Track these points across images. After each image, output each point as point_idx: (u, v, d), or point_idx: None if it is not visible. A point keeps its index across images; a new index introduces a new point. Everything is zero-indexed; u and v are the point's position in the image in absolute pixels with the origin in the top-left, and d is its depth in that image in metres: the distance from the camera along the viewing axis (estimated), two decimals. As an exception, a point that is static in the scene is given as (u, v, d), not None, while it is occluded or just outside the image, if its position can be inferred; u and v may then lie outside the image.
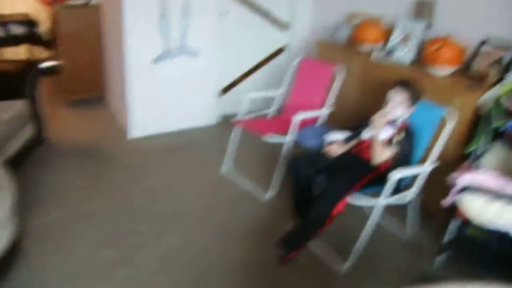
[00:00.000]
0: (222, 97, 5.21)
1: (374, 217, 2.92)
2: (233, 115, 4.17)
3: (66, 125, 4.97)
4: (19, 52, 6.81)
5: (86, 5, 5.36)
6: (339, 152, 3.16)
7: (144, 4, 4.31)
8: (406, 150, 2.99)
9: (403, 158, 2.99)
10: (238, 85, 5.43)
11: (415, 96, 3.04)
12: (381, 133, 3.03)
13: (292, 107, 3.95)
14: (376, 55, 3.78)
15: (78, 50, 5.32)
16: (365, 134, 3.14)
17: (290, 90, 4.11)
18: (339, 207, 2.84)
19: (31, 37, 6.35)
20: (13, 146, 3.73)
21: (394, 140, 2.99)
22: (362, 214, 3.38)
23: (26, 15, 6.54)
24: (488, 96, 3.06)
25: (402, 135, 3.00)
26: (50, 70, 6.46)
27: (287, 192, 3.40)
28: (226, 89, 5.37)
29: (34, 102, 4.21)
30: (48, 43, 6.42)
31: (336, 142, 3.20)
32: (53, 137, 4.56)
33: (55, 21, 5.43)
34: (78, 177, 3.89)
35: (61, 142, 4.52)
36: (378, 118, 3.02)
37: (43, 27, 6.68)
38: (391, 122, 3.07)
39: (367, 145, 3.10)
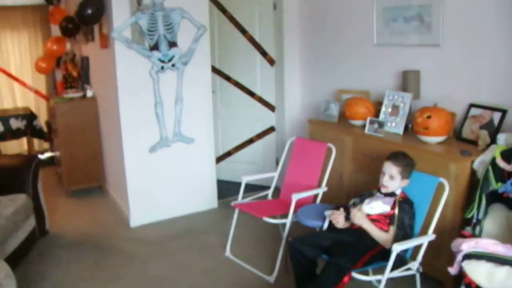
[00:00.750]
0: (217, 165, 5.27)
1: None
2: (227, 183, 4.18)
3: (67, 216, 4.98)
4: (20, 145, 6.97)
5: (83, 97, 5.51)
6: (343, 223, 3.16)
7: (138, 95, 4.44)
8: (407, 221, 3.01)
9: (406, 229, 3.00)
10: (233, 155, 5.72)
11: (409, 168, 3.10)
12: (380, 207, 3.09)
13: (289, 187, 4.00)
14: (368, 129, 3.85)
15: (77, 141, 5.43)
16: (365, 207, 3.16)
17: (286, 170, 4.16)
18: (341, 285, 2.83)
19: (31, 130, 6.50)
20: (16, 240, 3.73)
21: (395, 218, 3.02)
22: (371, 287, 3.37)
23: (26, 108, 6.72)
24: (482, 159, 3.10)
25: (402, 210, 3.04)
26: (50, 162, 6.58)
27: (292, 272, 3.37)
28: (220, 159, 5.60)
29: (36, 194, 4.25)
30: (47, 135, 6.56)
31: (340, 212, 3.21)
32: (55, 229, 4.56)
33: (53, 113, 5.57)
34: (81, 269, 3.85)
35: (63, 234, 4.51)
36: (356, 213, 3.08)
37: (42, 120, 6.85)
38: (389, 195, 3.12)
39: (368, 219, 3.11)
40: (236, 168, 5.66)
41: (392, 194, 3.11)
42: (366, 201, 3.19)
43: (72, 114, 5.39)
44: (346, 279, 2.80)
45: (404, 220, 3.00)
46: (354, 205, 3.23)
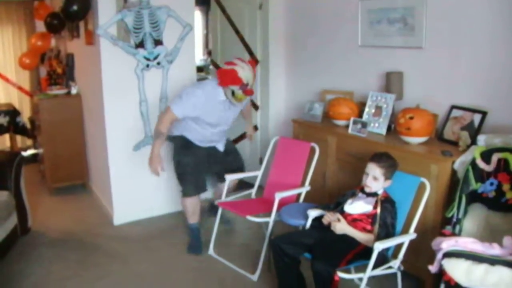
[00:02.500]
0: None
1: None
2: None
3: (50, 214, 4.95)
4: (2, 142, 6.89)
5: (68, 94, 5.48)
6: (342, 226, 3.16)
7: (123, 92, 4.44)
8: (389, 220, 3.05)
9: (389, 228, 3.03)
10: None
11: (392, 169, 3.15)
12: (362, 207, 3.14)
13: (273, 186, 4.03)
14: (351, 129, 3.89)
15: (60, 138, 5.39)
16: (347, 207, 3.20)
17: (270, 169, 4.19)
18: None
19: (14, 127, 6.43)
20: (-3, 238, 3.70)
21: (378, 217, 3.05)
22: (354, 285, 3.40)
23: (9, 105, 6.66)
24: (463, 159, 3.15)
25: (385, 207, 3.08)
26: (33, 159, 6.53)
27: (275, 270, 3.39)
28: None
29: (18, 191, 4.22)
30: (30, 132, 6.51)
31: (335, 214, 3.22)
32: (37, 227, 4.54)
33: (37, 110, 5.53)
34: (64, 267, 3.84)
35: (46, 232, 4.49)
36: (336, 224, 3.12)
37: (25, 116, 6.79)
38: (372, 195, 3.16)
39: (350, 219, 3.15)
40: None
41: (374, 194, 3.16)
42: (349, 201, 3.23)
43: (56, 111, 5.35)
44: (335, 281, 2.84)
45: (386, 219, 3.04)
46: (332, 209, 3.29)
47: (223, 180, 4.08)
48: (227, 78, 3.64)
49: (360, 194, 3.22)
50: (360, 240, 3.05)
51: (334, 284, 2.82)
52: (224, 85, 3.69)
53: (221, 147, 4.18)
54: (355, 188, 3.33)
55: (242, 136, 5.65)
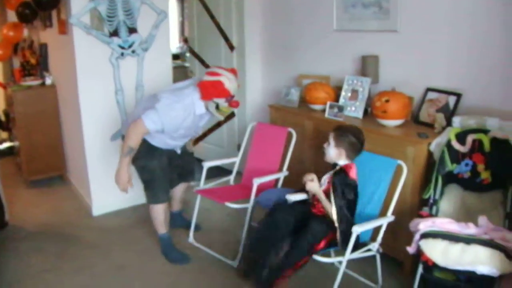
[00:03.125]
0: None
1: (342, 273, 2.96)
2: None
3: (27, 206, 4.89)
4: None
5: (42, 85, 5.40)
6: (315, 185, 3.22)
7: (98, 82, 4.37)
8: (340, 188, 3.08)
9: (345, 197, 3.07)
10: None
11: (344, 138, 3.17)
12: (323, 180, 3.24)
13: (251, 172, 4.03)
14: (328, 114, 3.90)
15: (36, 130, 5.31)
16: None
17: (247, 155, 4.19)
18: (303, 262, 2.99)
19: (-12, 119, 6.33)
20: (-26, 233, 3.66)
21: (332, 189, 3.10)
22: (332, 269, 3.43)
23: (-18, 98, 6.54)
24: (438, 141, 3.18)
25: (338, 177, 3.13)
26: (9, 152, 6.44)
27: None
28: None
29: (-6, 185, 4.17)
30: (5, 124, 6.40)
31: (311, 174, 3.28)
32: (15, 220, 4.48)
33: (11, 102, 5.44)
34: (43, 260, 3.80)
35: (23, 225, 4.43)
36: (307, 178, 3.20)
37: (-1, 109, 6.68)
38: (333, 166, 3.24)
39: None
40: (206, 150, 5.77)
41: (334, 166, 3.23)
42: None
43: (30, 103, 5.26)
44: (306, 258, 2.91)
45: (337, 187, 3.08)
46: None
47: (174, 184, 4.01)
48: (213, 90, 3.34)
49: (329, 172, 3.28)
50: (322, 202, 3.11)
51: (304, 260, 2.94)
52: (208, 99, 3.38)
53: (179, 149, 3.92)
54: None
55: (218, 124, 5.64)
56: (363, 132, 3.24)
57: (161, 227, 3.82)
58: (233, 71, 3.46)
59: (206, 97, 3.37)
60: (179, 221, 4.28)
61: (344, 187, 3.07)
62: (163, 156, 3.69)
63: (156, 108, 3.33)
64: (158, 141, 3.60)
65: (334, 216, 3.00)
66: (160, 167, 3.67)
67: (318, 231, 2.97)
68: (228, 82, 3.34)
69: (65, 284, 3.48)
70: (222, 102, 3.39)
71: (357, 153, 3.20)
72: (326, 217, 3.10)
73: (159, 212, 3.76)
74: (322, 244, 2.97)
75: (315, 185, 3.18)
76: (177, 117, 3.37)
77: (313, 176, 3.21)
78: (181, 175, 4.00)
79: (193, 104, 3.40)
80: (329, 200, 3.08)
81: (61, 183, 5.51)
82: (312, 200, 3.28)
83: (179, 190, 4.13)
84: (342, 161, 3.19)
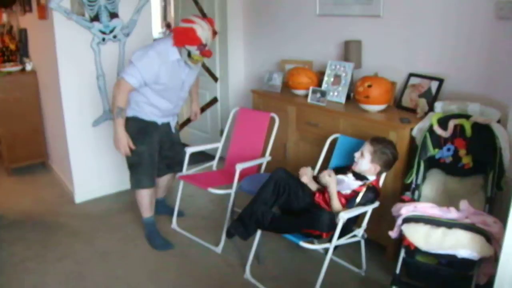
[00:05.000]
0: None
1: (328, 259, 2.97)
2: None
3: (8, 195, 4.84)
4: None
5: (22, 71, 5.32)
6: (308, 179, 3.22)
7: (79, 67, 4.31)
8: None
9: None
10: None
11: (383, 155, 3.05)
12: (347, 186, 3.12)
13: (234, 158, 4.02)
14: (310, 99, 3.89)
15: (17, 116, 5.24)
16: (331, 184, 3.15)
17: (230, 141, 4.18)
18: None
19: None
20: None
21: (359, 199, 3.02)
22: (317, 254, 3.45)
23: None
24: (421, 126, 3.19)
25: (368, 194, 3.04)
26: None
27: (238, 241, 3.40)
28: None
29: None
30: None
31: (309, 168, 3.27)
32: (-4, 209, 4.44)
33: (-10, 89, 5.35)
34: (25, 248, 3.77)
35: (5, 214, 4.38)
36: (325, 174, 3.10)
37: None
38: (360, 177, 3.13)
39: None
40: (189, 135, 5.75)
41: (363, 178, 3.12)
42: (339, 176, 3.18)
43: (10, 89, 5.18)
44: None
45: (363, 203, 3.02)
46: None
47: (162, 173, 3.98)
48: (184, 37, 3.29)
49: (350, 175, 3.17)
50: (333, 203, 3.03)
51: None
52: (180, 45, 3.35)
53: (173, 124, 3.87)
54: (350, 167, 3.23)
55: (202, 109, 5.61)
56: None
57: (146, 211, 3.80)
58: (209, 20, 3.42)
59: (178, 43, 3.35)
60: (162, 208, 4.26)
61: (370, 203, 3.05)
62: (154, 142, 3.66)
63: (131, 61, 3.35)
64: (149, 112, 3.59)
65: (340, 222, 2.88)
66: (149, 153, 3.63)
67: (326, 225, 2.92)
68: (201, 30, 3.29)
69: (48, 272, 3.46)
70: (193, 50, 3.34)
71: (389, 170, 3.15)
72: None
73: (143, 196, 3.73)
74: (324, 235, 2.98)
75: (333, 181, 3.06)
76: (152, 64, 3.33)
77: (330, 172, 3.10)
78: (169, 165, 3.96)
79: (167, 50, 3.38)
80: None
81: (43, 170, 5.46)
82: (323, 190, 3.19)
83: (165, 179, 4.09)
84: (371, 176, 3.12)
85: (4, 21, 6.04)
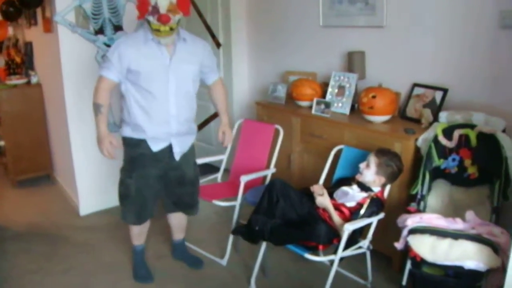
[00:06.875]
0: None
1: (334, 271, 2.95)
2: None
3: (13, 207, 4.85)
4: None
5: (28, 83, 5.35)
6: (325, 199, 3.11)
7: (84, 80, 4.31)
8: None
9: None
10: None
11: (388, 167, 3.04)
12: (351, 198, 3.09)
13: (238, 170, 4.01)
14: (315, 110, 3.89)
15: (22, 129, 5.26)
16: (337, 194, 3.17)
17: (235, 152, 4.17)
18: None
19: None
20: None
21: (363, 211, 3.00)
22: (323, 266, 3.43)
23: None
24: (425, 136, 3.19)
25: (372, 207, 3.02)
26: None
27: (243, 253, 3.39)
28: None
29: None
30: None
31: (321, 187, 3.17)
32: (1, 221, 4.44)
33: (-4, 101, 5.38)
34: (29, 261, 3.76)
35: (10, 226, 4.39)
36: (317, 192, 3.09)
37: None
38: (364, 188, 3.11)
39: (333, 203, 3.10)
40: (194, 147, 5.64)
41: (368, 190, 3.10)
42: (340, 192, 3.18)
43: (16, 102, 5.21)
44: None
45: (368, 215, 3.00)
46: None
47: (169, 210, 3.55)
48: (140, 6, 2.91)
49: (354, 187, 3.16)
50: (334, 220, 2.99)
51: None
52: (141, 17, 2.94)
53: (178, 151, 3.23)
54: (354, 178, 3.21)
55: (206, 121, 5.62)
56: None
57: (133, 239, 3.53)
58: None
59: (139, 16, 2.95)
60: (178, 253, 3.77)
61: (375, 215, 3.03)
62: (147, 176, 3.19)
63: (106, 55, 3.04)
64: (141, 121, 3.07)
65: (345, 233, 2.86)
66: (136, 187, 3.19)
67: (321, 237, 2.90)
68: None
69: (53, 284, 3.45)
70: (152, 19, 2.86)
71: (394, 182, 3.14)
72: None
73: (129, 227, 3.48)
74: (320, 247, 2.95)
75: (325, 200, 3.05)
76: (123, 50, 2.95)
77: (323, 191, 3.08)
78: (177, 204, 3.48)
79: (142, 34, 3.00)
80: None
81: (48, 183, 5.47)
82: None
83: (176, 217, 3.63)
84: (376, 187, 3.10)
85: (10, 34, 6.08)
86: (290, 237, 2.95)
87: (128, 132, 3.13)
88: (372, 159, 3.07)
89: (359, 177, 3.14)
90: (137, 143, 3.14)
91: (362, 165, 3.12)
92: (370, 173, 3.07)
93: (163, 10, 2.84)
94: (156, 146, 3.14)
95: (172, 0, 2.87)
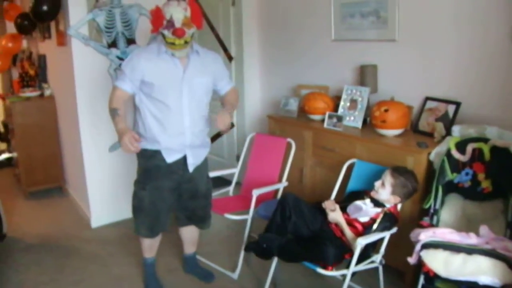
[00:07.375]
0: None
1: (346, 285, 2.93)
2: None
3: (26, 218, 4.87)
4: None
5: (41, 96, 5.40)
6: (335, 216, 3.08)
7: (96, 93, 4.35)
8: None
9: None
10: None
11: (404, 188, 3.04)
12: (365, 213, 3.07)
13: (250, 183, 4.01)
14: (327, 124, 3.89)
15: (35, 141, 5.31)
16: (350, 208, 3.14)
17: (247, 166, 4.17)
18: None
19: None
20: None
21: (376, 225, 2.99)
22: (334, 281, 3.40)
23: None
24: (438, 150, 3.17)
25: (385, 222, 3.00)
26: (7, 163, 6.42)
27: (255, 267, 3.37)
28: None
29: (-7, 197, 4.14)
30: (4, 135, 6.40)
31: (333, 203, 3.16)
32: (13, 232, 4.45)
33: (10, 113, 5.44)
34: (41, 272, 3.77)
35: (22, 237, 4.41)
36: (329, 207, 3.09)
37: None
38: (378, 203, 3.09)
39: (346, 217, 3.09)
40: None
41: (381, 205, 3.08)
42: (353, 207, 3.14)
43: (29, 114, 5.27)
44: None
45: (381, 231, 2.99)
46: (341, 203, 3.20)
47: (182, 224, 3.54)
48: (154, 20, 2.92)
49: (367, 201, 3.13)
50: (346, 235, 2.99)
51: None
52: (155, 31, 2.97)
53: (193, 162, 3.22)
54: (367, 192, 3.21)
55: (218, 135, 5.62)
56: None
57: (144, 251, 3.50)
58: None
59: (153, 30, 2.98)
60: (190, 267, 3.75)
61: (387, 230, 3.02)
62: (161, 189, 3.18)
63: (121, 67, 3.09)
64: (156, 133, 3.07)
65: (358, 248, 2.85)
66: (150, 200, 3.19)
67: (330, 258, 2.88)
68: (166, 7, 2.90)
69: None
70: (167, 33, 2.88)
71: (407, 200, 3.13)
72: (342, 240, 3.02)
73: (141, 240, 3.46)
74: (329, 268, 2.90)
75: (338, 215, 3.05)
76: (136, 61, 2.98)
77: (335, 206, 3.08)
78: (190, 218, 3.47)
79: (156, 47, 3.03)
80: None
81: (60, 195, 5.49)
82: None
83: (188, 231, 3.62)
84: (389, 204, 3.09)
85: (24, 47, 6.15)
86: (299, 256, 2.94)
87: (142, 143, 3.06)
88: (388, 179, 3.05)
89: (374, 194, 3.11)
90: (152, 154, 3.13)
91: (377, 184, 3.09)
92: (385, 193, 3.05)
93: (178, 24, 2.87)
94: (170, 157, 3.13)
95: (186, 14, 2.90)
